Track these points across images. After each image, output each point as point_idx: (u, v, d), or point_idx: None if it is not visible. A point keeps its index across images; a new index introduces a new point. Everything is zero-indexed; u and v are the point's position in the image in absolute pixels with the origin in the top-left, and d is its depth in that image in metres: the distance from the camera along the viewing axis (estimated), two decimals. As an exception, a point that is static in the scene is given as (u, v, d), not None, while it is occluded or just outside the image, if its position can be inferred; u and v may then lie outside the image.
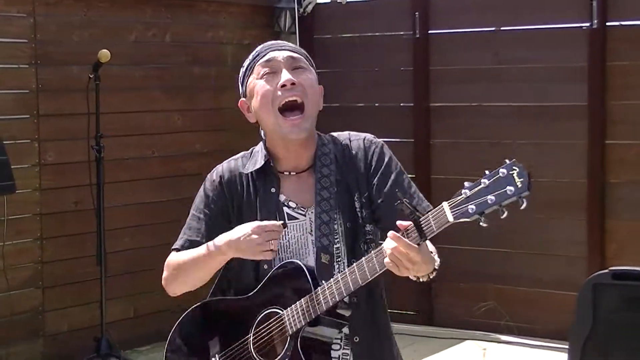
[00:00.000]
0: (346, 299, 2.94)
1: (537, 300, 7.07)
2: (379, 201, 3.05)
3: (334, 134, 3.20)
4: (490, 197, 2.61)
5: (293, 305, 2.94)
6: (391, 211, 2.92)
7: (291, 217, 3.09)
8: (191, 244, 3.16)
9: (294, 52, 3.11)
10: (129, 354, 6.51)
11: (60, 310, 6.65)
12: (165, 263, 3.24)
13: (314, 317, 2.91)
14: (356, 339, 3.07)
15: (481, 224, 2.65)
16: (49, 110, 6.54)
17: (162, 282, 3.26)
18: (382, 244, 2.81)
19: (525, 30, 7.27)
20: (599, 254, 6.86)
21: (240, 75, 3.18)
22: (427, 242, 2.84)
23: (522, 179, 2.59)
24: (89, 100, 6.21)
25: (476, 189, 2.64)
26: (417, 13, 7.51)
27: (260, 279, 3.07)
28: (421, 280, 2.88)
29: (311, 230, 3.06)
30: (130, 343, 6.69)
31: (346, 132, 3.21)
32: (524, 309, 7.07)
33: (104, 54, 6.17)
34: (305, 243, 3.08)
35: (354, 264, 2.86)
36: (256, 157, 3.16)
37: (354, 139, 3.17)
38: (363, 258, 2.84)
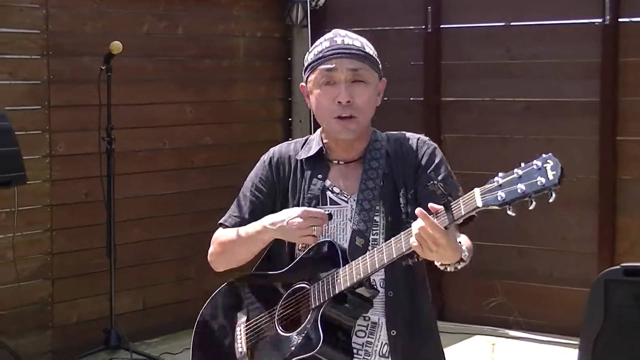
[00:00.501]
0: (375, 283, 3.02)
1: (547, 296, 7.06)
2: (425, 197, 3.03)
3: (389, 132, 3.28)
4: (521, 187, 2.64)
5: (320, 281, 3.01)
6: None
7: (333, 202, 3.16)
8: (235, 221, 3.27)
9: (357, 59, 3.13)
10: (138, 346, 6.50)
11: (70, 301, 6.65)
12: (212, 238, 3.32)
13: (337, 292, 2.95)
14: (393, 332, 3.09)
15: (509, 212, 2.67)
16: (60, 102, 6.53)
17: (208, 257, 3.34)
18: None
19: (537, 26, 7.25)
20: (610, 251, 6.86)
21: (305, 60, 3.22)
22: (463, 236, 2.98)
23: (554, 172, 2.62)
24: (100, 91, 6.23)
25: (508, 178, 2.67)
26: (429, 7, 7.50)
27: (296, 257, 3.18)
28: (448, 269, 2.89)
29: (351, 217, 3.12)
30: (139, 335, 6.69)
31: (401, 132, 3.29)
32: (534, 305, 7.06)
33: (116, 46, 6.18)
34: (344, 229, 3.13)
35: (382, 244, 2.90)
36: (311, 145, 3.24)
37: (409, 137, 3.24)
38: (392, 238, 2.88)
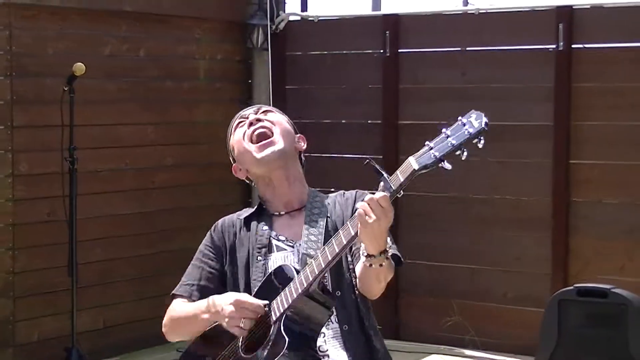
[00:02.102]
0: (329, 288, 3.09)
1: (501, 316, 7.09)
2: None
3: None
4: (451, 141, 2.75)
5: (277, 296, 3.04)
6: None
7: (280, 249, 3.26)
8: (186, 289, 3.35)
9: (268, 107, 3.43)
10: (99, 365, 6.48)
11: (31, 320, 6.59)
12: (168, 310, 3.39)
13: (295, 296, 2.97)
14: (345, 327, 3.16)
15: (444, 165, 2.75)
16: (23, 122, 6.50)
17: (162, 328, 3.41)
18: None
19: (493, 51, 7.31)
20: (563, 272, 6.88)
21: (227, 144, 3.43)
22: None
23: (479, 120, 2.73)
24: (63, 112, 6.17)
25: (438, 139, 2.78)
26: (387, 32, 7.53)
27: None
28: (373, 266, 2.92)
29: (298, 261, 3.14)
30: (99, 353, 6.63)
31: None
32: (489, 324, 7.08)
33: (79, 67, 6.15)
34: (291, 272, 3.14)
35: (331, 239, 2.94)
36: (252, 209, 3.40)
37: (347, 191, 3.39)
38: (340, 230, 2.93)
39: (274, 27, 7.91)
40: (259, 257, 3.23)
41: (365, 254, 2.93)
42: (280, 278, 3.09)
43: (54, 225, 6.48)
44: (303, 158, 3.44)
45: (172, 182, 7.36)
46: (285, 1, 8.14)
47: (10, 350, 6.50)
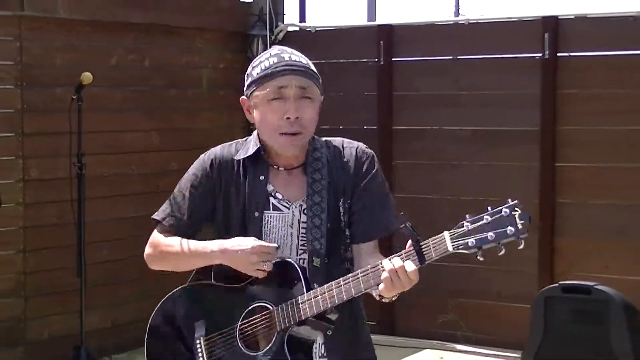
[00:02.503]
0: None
1: (492, 312, 7.10)
2: (357, 208, 3.07)
3: (328, 139, 3.19)
4: (491, 234, 2.65)
5: (284, 304, 2.92)
6: (365, 221, 3.03)
7: (276, 208, 3.07)
8: (173, 221, 3.16)
9: (306, 76, 3.04)
10: (107, 362, 6.50)
11: (41, 319, 6.61)
12: (151, 240, 3.21)
13: (303, 318, 2.90)
14: (329, 332, 3.04)
15: (478, 257, 2.68)
16: (33, 129, 6.52)
17: (145, 256, 3.24)
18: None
19: (482, 59, 7.33)
20: (549, 270, 6.90)
21: (249, 75, 3.11)
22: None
23: (523, 221, 2.63)
24: (71, 120, 6.19)
25: (478, 223, 2.66)
26: (381, 42, 7.55)
27: None
28: (384, 300, 2.89)
29: (292, 224, 3.05)
30: (107, 351, 6.66)
31: (340, 139, 3.21)
32: (479, 321, 7.10)
33: (87, 77, 6.17)
34: (285, 235, 3.06)
35: (349, 275, 2.85)
36: (248, 145, 3.12)
37: (347, 145, 3.17)
38: (359, 271, 2.85)
39: (273, 37, 7.93)
40: (256, 213, 3.04)
41: (379, 293, 2.84)
42: (283, 272, 2.96)
43: (63, 228, 6.49)
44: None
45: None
46: (284, 12, 8.16)
47: (21, 348, 6.51)
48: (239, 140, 3.19)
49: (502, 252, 2.65)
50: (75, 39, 6.79)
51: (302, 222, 3.05)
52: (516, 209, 2.64)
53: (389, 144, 7.58)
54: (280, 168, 3.09)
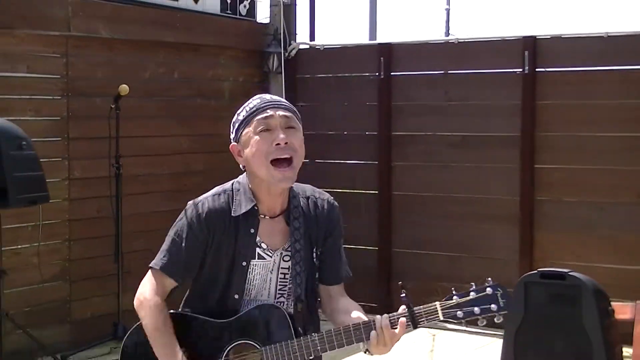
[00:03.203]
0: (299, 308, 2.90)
1: (478, 296, 7.09)
2: (326, 256, 2.99)
3: (298, 185, 2.99)
4: (476, 309, 2.75)
5: (273, 345, 2.78)
6: (335, 267, 2.97)
7: (260, 257, 2.90)
8: (170, 269, 2.92)
9: (288, 111, 2.89)
10: (141, 337, 6.50)
11: (84, 300, 6.63)
12: (145, 303, 2.90)
13: None
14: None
15: (463, 327, 2.76)
16: (77, 134, 6.54)
17: (136, 302, 2.96)
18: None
19: (470, 74, 7.31)
20: (528, 259, 6.92)
21: (235, 121, 2.95)
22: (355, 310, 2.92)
23: (504, 300, 2.73)
24: (110, 126, 6.23)
25: (465, 298, 2.75)
26: (382, 58, 7.55)
27: (228, 306, 2.87)
28: (369, 355, 2.86)
29: (272, 269, 2.90)
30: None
31: (309, 187, 3.05)
32: (467, 303, 7.09)
33: (124, 88, 6.20)
34: (266, 280, 2.91)
35: (340, 327, 2.78)
36: (240, 199, 2.90)
37: (319, 197, 3.02)
38: (350, 324, 2.79)
39: (286, 54, 7.93)
40: (244, 263, 2.86)
41: (366, 349, 2.81)
42: (267, 315, 2.82)
43: (103, 221, 6.51)
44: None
45: (201, 184, 7.24)
46: (297, 32, 8.17)
47: (67, 326, 6.54)
48: (225, 187, 2.96)
49: (484, 323, 2.76)
50: (114, 55, 6.81)
51: (282, 267, 2.91)
52: (498, 289, 2.76)
53: (388, 147, 7.59)
54: (265, 216, 2.91)
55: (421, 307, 2.77)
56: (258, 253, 2.90)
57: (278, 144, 2.81)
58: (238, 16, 7.90)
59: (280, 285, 2.92)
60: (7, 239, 5.77)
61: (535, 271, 4.78)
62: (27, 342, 5.81)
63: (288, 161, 2.84)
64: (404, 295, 2.79)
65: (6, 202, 5.30)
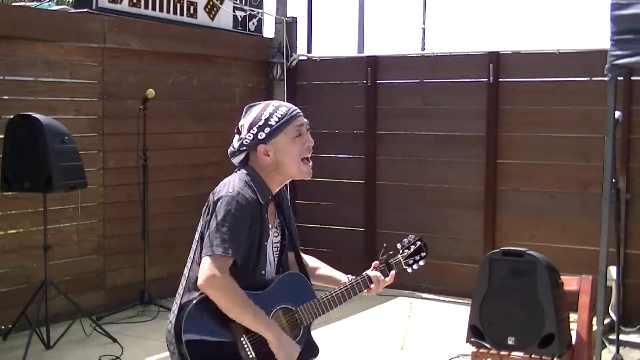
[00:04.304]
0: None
1: (448, 270, 7.12)
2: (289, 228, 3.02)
3: None
4: (419, 257, 3.09)
5: (303, 305, 2.84)
6: (295, 238, 2.99)
7: (269, 236, 2.90)
8: (236, 255, 2.70)
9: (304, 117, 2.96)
10: (163, 302, 6.51)
11: (116, 271, 6.65)
12: (224, 283, 2.69)
13: (320, 315, 2.87)
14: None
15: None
16: (110, 131, 6.53)
17: (209, 285, 2.70)
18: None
19: (443, 83, 7.31)
20: (491, 239, 6.93)
21: (264, 125, 2.85)
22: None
23: (426, 247, 3.09)
24: (138, 124, 6.23)
25: (411, 250, 3.08)
26: (369, 68, 7.54)
27: (258, 280, 2.82)
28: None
29: (270, 245, 2.89)
30: (164, 295, 6.66)
31: None
32: (439, 276, 7.10)
33: (150, 92, 6.19)
34: (269, 254, 2.89)
35: (347, 284, 2.94)
36: (261, 189, 2.82)
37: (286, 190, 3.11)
38: (352, 279, 2.98)
39: (288, 64, 7.92)
40: (265, 242, 2.83)
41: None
42: (291, 281, 2.86)
43: (132, 204, 6.52)
44: None
45: (216, 173, 7.25)
46: (297, 46, 8.16)
47: (101, 292, 6.55)
48: (243, 179, 2.83)
49: (422, 263, 3.08)
50: (143, 64, 6.79)
51: (274, 242, 2.92)
52: (423, 240, 3.09)
53: (374, 144, 7.58)
54: (269, 199, 2.88)
55: (391, 260, 3.04)
56: (269, 232, 2.89)
57: (309, 146, 2.91)
58: (248, 32, 7.90)
59: (275, 257, 2.95)
60: (51, 219, 5.77)
61: (498, 250, 4.77)
62: (68, 305, 5.82)
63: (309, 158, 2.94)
64: (383, 252, 3.05)
65: (51, 187, 5.33)
